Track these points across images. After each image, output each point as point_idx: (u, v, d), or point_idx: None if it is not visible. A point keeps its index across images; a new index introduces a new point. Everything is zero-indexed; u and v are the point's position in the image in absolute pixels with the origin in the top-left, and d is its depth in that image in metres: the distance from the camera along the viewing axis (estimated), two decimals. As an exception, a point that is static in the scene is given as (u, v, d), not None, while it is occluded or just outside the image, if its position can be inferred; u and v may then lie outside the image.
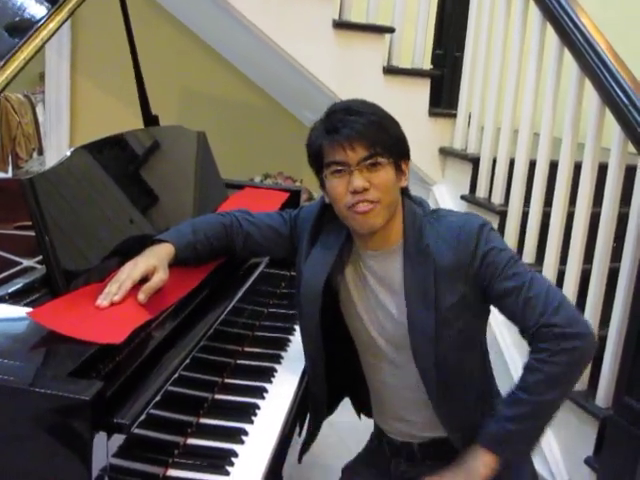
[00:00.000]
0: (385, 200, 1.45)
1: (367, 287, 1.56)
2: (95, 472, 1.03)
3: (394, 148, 1.46)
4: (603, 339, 2.47)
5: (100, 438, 1.03)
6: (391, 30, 3.11)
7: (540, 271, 2.62)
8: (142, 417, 1.13)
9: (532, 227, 2.75)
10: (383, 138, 1.44)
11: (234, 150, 4.15)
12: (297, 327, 2.03)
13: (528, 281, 1.44)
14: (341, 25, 3.00)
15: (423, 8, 3.16)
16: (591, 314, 2.49)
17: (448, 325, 1.47)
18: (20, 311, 1.26)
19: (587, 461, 2.47)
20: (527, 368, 1.44)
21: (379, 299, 1.55)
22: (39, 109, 6.92)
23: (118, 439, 1.09)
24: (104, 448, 1.05)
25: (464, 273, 1.45)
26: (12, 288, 1.42)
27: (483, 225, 1.47)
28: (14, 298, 1.34)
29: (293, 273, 2.49)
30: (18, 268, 1.60)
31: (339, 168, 1.45)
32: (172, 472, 1.30)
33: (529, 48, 2.76)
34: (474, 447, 1.46)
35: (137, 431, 1.16)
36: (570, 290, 2.55)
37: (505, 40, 2.92)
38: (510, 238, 2.80)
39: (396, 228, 1.52)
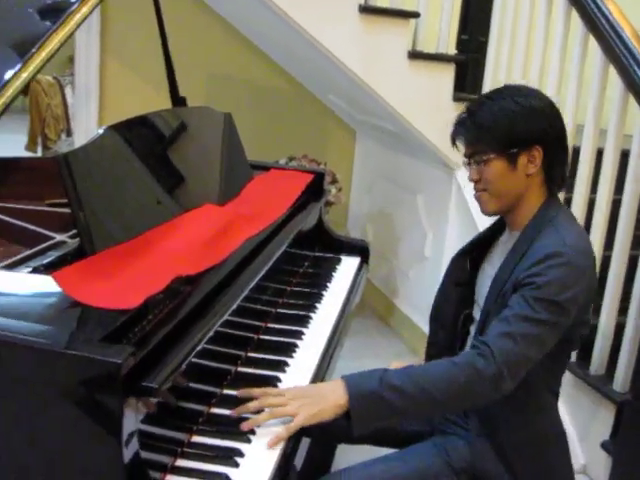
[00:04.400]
0: (493, 189, 1.60)
1: (489, 263, 1.73)
2: (125, 435, 1.08)
3: (498, 144, 1.57)
4: (622, 325, 2.50)
5: (130, 402, 1.09)
6: (416, 15, 3.12)
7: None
8: (169, 383, 1.18)
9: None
10: (484, 137, 1.58)
11: (260, 132, 4.20)
12: (318, 305, 2.09)
13: (524, 325, 1.47)
14: (367, 9, 3.02)
15: (448, -8, 3.17)
16: (610, 300, 2.52)
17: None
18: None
19: (604, 445, 2.50)
20: (442, 364, 1.50)
21: (486, 274, 1.71)
22: (68, 91, 7.02)
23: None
24: (134, 412, 1.11)
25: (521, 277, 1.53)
26: (46, 260, 1.49)
27: (550, 256, 1.50)
28: (48, 269, 1.40)
29: (317, 253, 2.55)
30: (51, 242, 1.66)
31: (465, 160, 1.66)
32: (196, 438, 1.35)
33: (554, 33, 2.76)
34: (340, 382, 1.45)
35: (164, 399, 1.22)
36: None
37: (530, 25, 2.92)
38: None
39: (521, 218, 1.62)
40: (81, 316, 1.22)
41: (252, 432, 1.38)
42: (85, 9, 1.71)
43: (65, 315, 1.22)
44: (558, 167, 1.61)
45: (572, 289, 1.49)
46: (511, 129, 1.56)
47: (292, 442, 1.40)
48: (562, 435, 1.69)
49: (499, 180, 1.59)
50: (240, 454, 1.31)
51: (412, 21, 3.15)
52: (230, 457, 1.29)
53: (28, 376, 1.10)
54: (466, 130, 1.62)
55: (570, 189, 2.68)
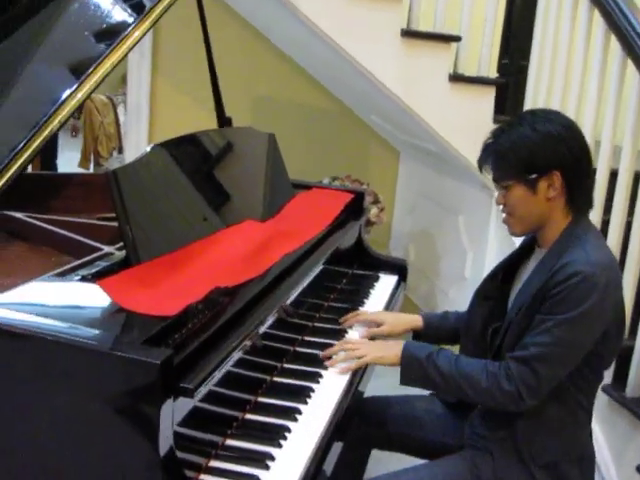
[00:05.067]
0: (516, 213, 1.68)
1: (519, 280, 1.80)
2: (162, 432, 1.16)
3: (517, 171, 1.64)
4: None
5: (168, 404, 1.17)
6: (457, 39, 3.18)
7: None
8: (204, 387, 1.26)
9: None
10: (503, 164, 1.66)
11: (305, 153, 4.29)
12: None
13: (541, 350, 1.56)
14: (409, 34, 3.09)
15: (490, 17, 3.21)
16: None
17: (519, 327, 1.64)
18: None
19: (638, 468, 2.49)
20: (480, 364, 1.66)
21: (515, 287, 1.79)
22: (120, 110, 7.23)
23: (185, 408, 1.23)
24: (170, 413, 1.18)
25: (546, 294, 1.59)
26: (95, 269, 1.58)
27: (573, 275, 1.55)
28: (96, 278, 1.49)
29: (357, 271, 2.61)
30: (100, 253, 1.76)
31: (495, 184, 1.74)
32: (230, 442, 1.43)
33: (593, 57, 2.79)
34: (402, 343, 1.76)
35: (203, 405, 1.30)
36: (626, 299, 2.57)
37: (570, 50, 2.95)
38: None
39: (549, 236, 1.68)
40: (125, 321, 1.31)
41: (284, 437, 1.45)
42: (138, 33, 1.82)
43: (110, 320, 1.31)
44: (579, 189, 1.65)
45: (587, 303, 1.53)
46: (529, 156, 1.61)
47: (323, 447, 1.47)
48: (590, 458, 1.72)
49: (521, 205, 1.66)
50: (271, 457, 1.37)
51: (453, 44, 3.21)
52: (261, 460, 1.36)
53: (76, 374, 1.19)
54: (488, 157, 1.69)
55: (608, 211, 2.70)
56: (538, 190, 1.63)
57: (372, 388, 2.07)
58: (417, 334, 2.06)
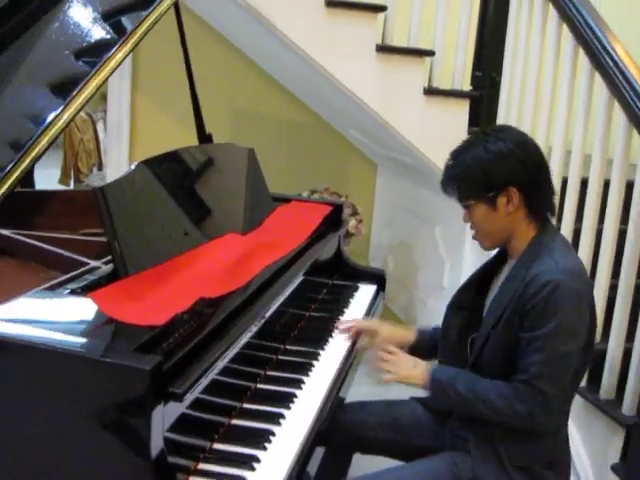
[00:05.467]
0: (481, 230, 1.78)
1: (493, 290, 1.86)
2: (153, 436, 1.21)
3: (475, 191, 1.72)
4: (629, 351, 2.58)
5: (158, 408, 1.22)
6: (431, 53, 3.27)
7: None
8: (192, 392, 1.31)
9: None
10: (461, 186, 1.74)
11: (284, 166, 4.35)
12: (334, 330, 2.21)
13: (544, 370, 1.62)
14: (384, 49, 3.17)
15: (462, 32, 3.31)
16: (617, 326, 2.60)
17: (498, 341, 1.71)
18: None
19: (613, 467, 2.55)
20: (495, 388, 1.69)
21: (489, 297, 1.85)
22: (100, 126, 7.27)
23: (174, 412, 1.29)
24: (161, 417, 1.24)
25: (521, 307, 1.66)
26: (83, 283, 1.64)
27: (545, 285, 1.62)
28: (85, 291, 1.54)
29: (337, 282, 2.67)
30: (86, 268, 1.81)
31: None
32: (218, 445, 1.48)
33: (562, 70, 2.89)
34: (425, 365, 1.82)
35: (191, 411, 1.36)
36: (598, 304, 2.66)
37: (540, 63, 3.04)
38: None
39: (517, 247, 1.76)
40: (115, 331, 1.37)
41: (268, 440, 1.51)
42: (120, 55, 1.86)
43: (101, 330, 1.37)
44: (538, 200, 1.73)
45: (564, 310, 1.61)
46: (484, 176, 1.70)
47: (306, 450, 1.52)
48: (566, 461, 1.79)
49: (484, 222, 1.75)
50: (257, 459, 1.43)
51: (427, 59, 3.29)
52: (247, 462, 1.42)
53: (70, 382, 1.24)
54: (448, 180, 1.77)
55: (579, 219, 2.79)
56: (498, 206, 1.71)
57: (352, 394, 2.13)
58: (412, 348, 2.07)
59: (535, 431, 1.69)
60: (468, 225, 1.92)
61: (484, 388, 1.70)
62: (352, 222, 3.91)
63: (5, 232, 2.14)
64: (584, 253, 2.74)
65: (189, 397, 1.30)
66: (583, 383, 2.70)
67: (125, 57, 1.82)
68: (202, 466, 1.40)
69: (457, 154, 1.76)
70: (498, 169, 1.69)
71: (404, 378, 1.82)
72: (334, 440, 1.97)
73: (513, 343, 1.68)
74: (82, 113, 7.29)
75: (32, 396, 1.27)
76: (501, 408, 1.66)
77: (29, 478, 1.29)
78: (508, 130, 1.79)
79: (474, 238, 1.81)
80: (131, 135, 4.34)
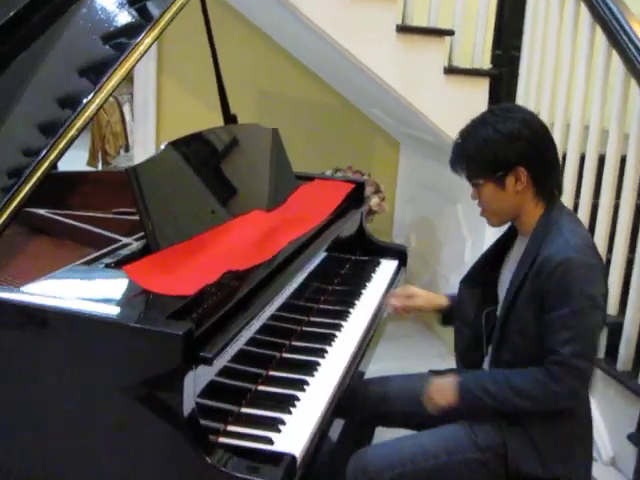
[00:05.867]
0: (489, 208, 1.83)
1: (506, 265, 1.91)
2: (186, 401, 1.31)
3: (484, 170, 1.77)
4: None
5: (190, 371, 1.32)
6: (451, 33, 3.32)
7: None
8: (221, 357, 1.41)
9: (583, 218, 2.92)
10: (471, 165, 1.79)
11: (309, 146, 4.42)
12: (357, 302, 2.29)
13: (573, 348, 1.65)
14: (404, 29, 3.22)
15: (482, 11, 3.35)
16: (634, 299, 2.66)
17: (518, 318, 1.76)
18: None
19: (630, 437, 2.63)
20: (528, 376, 1.70)
21: (505, 275, 1.88)
22: (126, 109, 7.37)
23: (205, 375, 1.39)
24: (192, 379, 1.33)
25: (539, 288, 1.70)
26: (116, 258, 1.74)
27: (558, 266, 1.66)
28: (119, 265, 1.65)
29: (360, 257, 2.75)
30: (119, 244, 1.92)
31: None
32: (246, 410, 1.58)
33: (580, 47, 2.92)
34: (453, 382, 1.80)
35: (221, 379, 1.46)
36: (615, 278, 2.72)
37: (558, 40, 3.08)
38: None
39: (527, 225, 1.81)
40: (148, 301, 1.47)
41: (293, 405, 1.60)
42: (149, 40, 1.92)
43: (135, 300, 1.48)
44: (545, 179, 1.78)
45: (580, 285, 1.66)
46: (493, 156, 1.74)
47: (329, 414, 1.63)
48: (586, 433, 1.83)
49: (492, 201, 1.80)
50: (282, 422, 1.52)
51: (447, 38, 3.34)
52: (273, 424, 1.51)
53: (107, 348, 1.34)
54: (457, 159, 1.82)
55: (597, 195, 2.84)
56: (506, 186, 1.76)
57: (373, 370, 2.22)
58: (444, 313, 2.15)
59: (574, 407, 1.74)
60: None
61: (518, 381, 1.72)
62: (375, 200, 3.97)
63: (40, 211, 2.24)
64: (602, 228, 2.79)
65: (218, 361, 1.40)
66: (601, 355, 2.76)
67: (154, 41, 1.88)
68: (231, 428, 1.49)
69: (466, 134, 1.80)
70: (507, 149, 1.73)
71: (442, 407, 1.82)
72: (357, 414, 2.06)
73: (532, 322, 1.73)
74: (109, 96, 7.41)
75: (72, 364, 1.37)
76: (540, 395, 1.68)
77: (65, 442, 1.41)
78: (516, 110, 1.83)
79: (482, 215, 1.86)
80: (157, 116, 4.42)
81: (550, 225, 1.76)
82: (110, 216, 2.31)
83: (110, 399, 1.35)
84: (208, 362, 1.34)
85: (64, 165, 2.20)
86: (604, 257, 2.74)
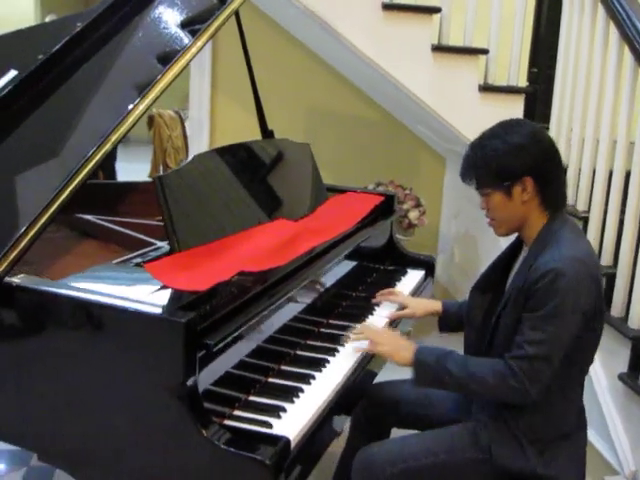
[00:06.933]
0: (497, 217, 1.90)
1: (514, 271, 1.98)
2: (188, 380, 1.47)
3: (492, 180, 1.85)
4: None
5: (192, 357, 1.48)
6: (485, 51, 3.42)
7: (615, 272, 2.87)
8: (222, 344, 1.57)
9: (609, 231, 2.98)
10: (480, 175, 1.87)
11: (354, 160, 4.56)
12: (377, 307, 2.41)
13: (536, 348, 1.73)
14: (439, 48, 3.35)
15: (517, 30, 3.44)
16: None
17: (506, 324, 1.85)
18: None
19: (651, 448, 2.66)
20: (487, 365, 1.81)
21: (509, 280, 1.96)
22: (188, 124, 7.64)
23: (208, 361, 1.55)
24: (194, 365, 1.50)
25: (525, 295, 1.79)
26: (147, 259, 1.95)
27: (547, 273, 1.74)
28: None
29: (388, 267, 2.86)
30: (153, 247, 2.14)
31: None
32: (253, 398, 1.74)
33: (609, 64, 3.00)
34: (414, 347, 1.89)
35: (235, 370, 1.63)
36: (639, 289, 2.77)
37: (589, 60, 3.15)
38: (591, 241, 3.02)
39: (530, 234, 1.90)
40: (165, 294, 1.65)
41: (297, 396, 1.74)
42: (194, 49, 2.03)
43: (154, 294, 1.66)
44: (550, 190, 1.86)
45: (561, 296, 1.72)
46: (501, 167, 1.82)
47: (331, 405, 1.77)
48: (578, 434, 1.90)
49: (500, 209, 1.87)
50: (283, 410, 1.67)
51: (482, 57, 3.44)
52: (275, 411, 1.66)
53: (126, 334, 1.55)
54: (467, 170, 1.90)
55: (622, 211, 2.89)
56: (513, 195, 1.84)
57: (383, 375, 2.30)
58: (439, 318, 2.28)
59: (527, 404, 1.80)
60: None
61: (476, 365, 1.82)
62: (414, 213, 4.07)
63: (89, 217, 2.46)
64: (627, 241, 2.84)
65: (219, 347, 1.56)
66: (624, 369, 2.80)
67: (198, 51, 2.01)
68: (237, 412, 1.65)
69: (476, 146, 1.89)
70: (515, 160, 1.82)
71: (388, 353, 1.94)
72: (373, 416, 2.18)
73: (515, 328, 1.81)
74: (171, 111, 7.71)
75: (94, 347, 1.58)
76: (494, 385, 1.77)
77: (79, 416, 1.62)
78: (524, 124, 1.91)
79: (489, 224, 1.95)
80: (211, 131, 4.64)
81: (550, 236, 1.83)
82: (152, 222, 2.50)
83: (132, 376, 1.55)
84: (210, 349, 1.50)
85: (127, 176, 2.41)
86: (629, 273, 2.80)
